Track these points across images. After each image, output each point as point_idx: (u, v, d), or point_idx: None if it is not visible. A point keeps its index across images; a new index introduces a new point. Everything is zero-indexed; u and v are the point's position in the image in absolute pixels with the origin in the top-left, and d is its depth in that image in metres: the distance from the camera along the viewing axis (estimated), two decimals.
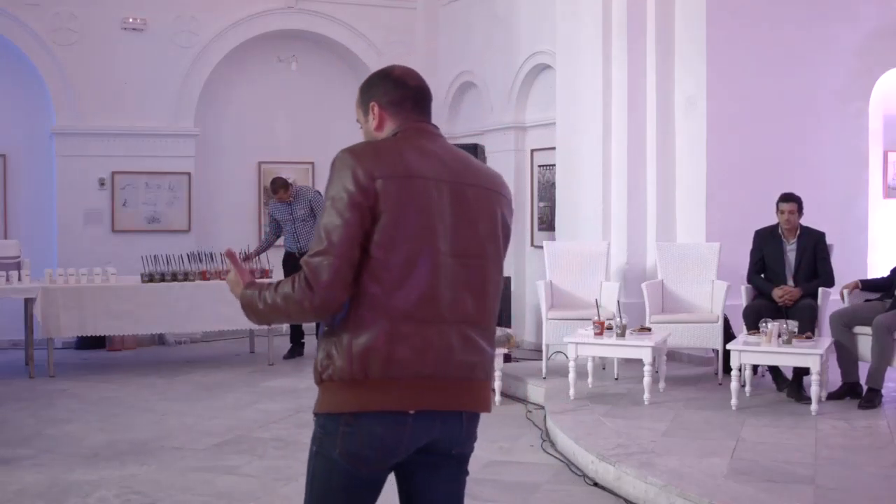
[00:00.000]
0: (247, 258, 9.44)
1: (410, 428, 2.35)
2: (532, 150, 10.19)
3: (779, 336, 6.29)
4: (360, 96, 2.54)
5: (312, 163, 11.66)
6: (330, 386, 2.34)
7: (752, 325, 6.63)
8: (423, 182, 2.35)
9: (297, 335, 9.62)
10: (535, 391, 7.27)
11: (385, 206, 2.30)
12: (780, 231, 7.12)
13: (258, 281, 2.47)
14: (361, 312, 2.31)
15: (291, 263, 9.35)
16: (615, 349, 6.76)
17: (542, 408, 6.80)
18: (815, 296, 6.93)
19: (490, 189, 2.49)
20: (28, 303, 8.51)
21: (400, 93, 2.49)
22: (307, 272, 2.29)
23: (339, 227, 2.28)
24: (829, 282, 7.04)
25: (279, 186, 9.42)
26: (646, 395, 6.54)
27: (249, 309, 2.43)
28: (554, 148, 9.22)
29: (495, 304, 2.48)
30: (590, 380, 7.17)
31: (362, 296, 2.31)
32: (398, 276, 2.31)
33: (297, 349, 9.62)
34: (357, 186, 2.30)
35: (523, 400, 7.35)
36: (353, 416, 2.31)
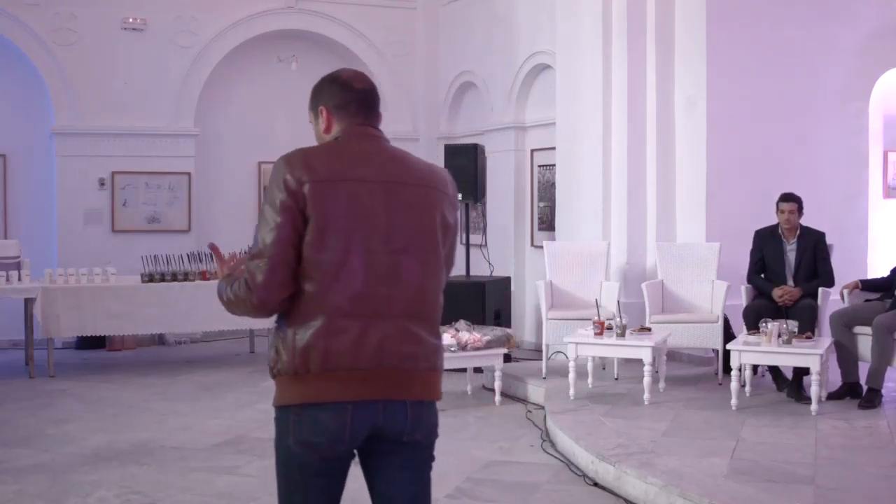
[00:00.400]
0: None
1: (351, 416, 2.46)
2: (532, 150, 10.20)
3: (779, 336, 6.29)
4: (311, 100, 2.66)
5: None
6: (281, 380, 2.49)
7: (752, 325, 6.63)
8: (355, 184, 2.48)
9: None
10: (535, 391, 7.27)
11: (314, 209, 2.42)
12: (780, 231, 7.12)
13: (234, 274, 2.57)
14: (301, 310, 2.44)
15: None
16: (615, 349, 6.76)
17: (542, 408, 6.80)
18: (815, 296, 6.93)
19: (430, 187, 2.59)
20: (28, 303, 8.51)
21: (346, 96, 2.62)
22: (246, 274, 2.45)
23: (272, 231, 2.42)
24: (829, 282, 7.04)
25: None
26: (646, 395, 6.54)
27: (220, 300, 2.56)
28: (554, 148, 9.22)
29: (437, 297, 2.58)
30: (590, 380, 7.17)
31: (301, 294, 2.44)
32: (332, 275, 2.43)
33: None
34: (287, 192, 2.44)
35: (523, 400, 7.35)
36: (300, 407, 2.45)
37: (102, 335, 9.45)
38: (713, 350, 7.50)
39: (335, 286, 2.43)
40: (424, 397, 2.56)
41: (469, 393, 7.58)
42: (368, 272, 2.45)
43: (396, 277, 2.49)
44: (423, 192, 2.56)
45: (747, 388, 6.59)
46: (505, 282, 9.37)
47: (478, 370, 7.85)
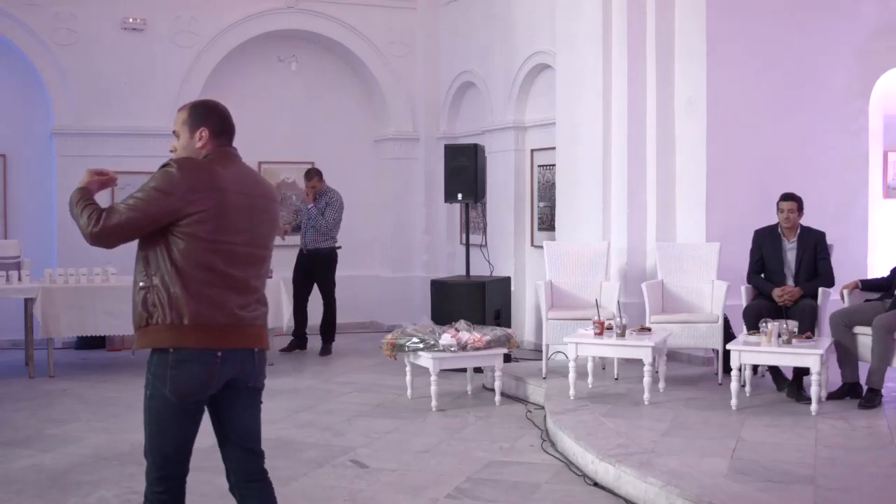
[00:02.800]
0: None
1: (219, 365, 3.19)
2: (532, 150, 10.20)
3: (779, 336, 6.29)
4: (191, 119, 3.32)
5: (312, 163, 11.65)
6: (156, 328, 3.15)
7: (752, 325, 6.63)
8: (229, 193, 3.22)
9: (301, 327, 9.84)
10: (535, 391, 7.28)
11: (199, 208, 3.13)
12: (779, 231, 7.12)
13: (91, 201, 3.27)
14: (184, 280, 3.13)
15: (300, 262, 9.55)
16: (615, 349, 6.77)
17: (542, 408, 6.81)
18: (815, 296, 6.93)
19: (271, 200, 3.47)
20: (28, 303, 8.51)
21: (221, 125, 3.39)
22: (106, 211, 3.15)
23: (146, 207, 3.11)
24: (830, 282, 7.04)
25: (314, 174, 9.81)
26: (646, 395, 6.55)
27: (69, 204, 3.29)
28: (554, 148, 9.22)
29: (266, 279, 3.43)
30: (590, 380, 7.17)
31: (185, 268, 3.13)
32: (209, 258, 3.17)
33: (299, 343, 9.85)
34: (176, 191, 3.12)
35: (523, 400, 7.35)
36: (176, 360, 3.13)
37: (102, 335, 9.45)
38: (713, 350, 7.50)
39: (207, 266, 3.19)
40: (264, 346, 3.36)
41: (469, 393, 7.58)
42: (230, 259, 3.21)
43: (247, 264, 3.28)
44: (269, 203, 3.42)
45: (747, 388, 6.59)
46: (505, 282, 9.38)
47: (478, 370, 7.86)
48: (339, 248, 9.98)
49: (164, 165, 3.19)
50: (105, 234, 3.13)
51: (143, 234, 3.17)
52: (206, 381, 3.17)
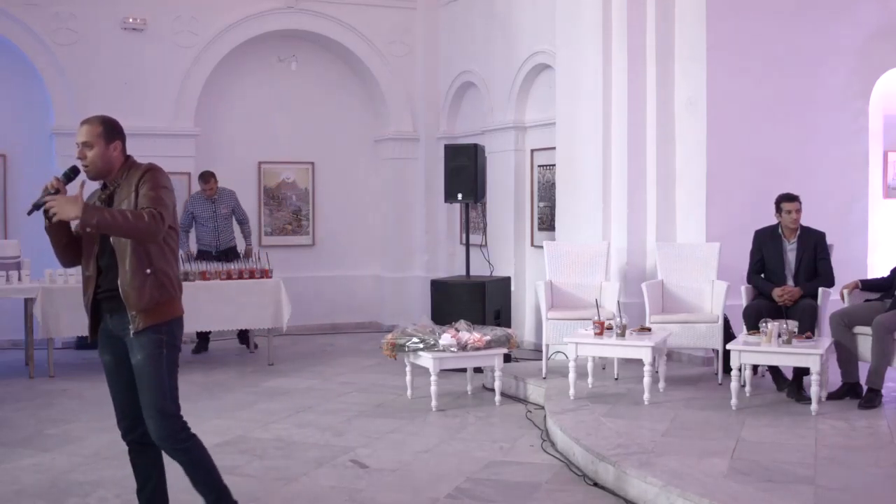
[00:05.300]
0: (247, 255, 9.57)
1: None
2: (532, 150, 10.20)
3: (779, 336, 6.29)
4: (107, 132, 3.93)
5: (312, 163, 11.67)
6: (168, 301, 3.90)
7: (752, 325, 6.63)
8: None
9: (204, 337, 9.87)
10: (535, 391, 7.28)
11: (174, 202, 3.96)
12: (780, 231, 7.12)
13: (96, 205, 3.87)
14: (173, 261, 3.97)
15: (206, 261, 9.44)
16: (615, 349, 6.76)
17: (542, 408, 6.81)
18: (815, 296, 6.93)
19: None
20: (28, 303, 8.51)
21: (124, 141, 4.05)
22: (163, 213, 3.78)
23: (170, 201, 3.87)
24: (830, 282, 7.04)
25: (211, 176, 9.75)
26: (646, 395, 6.54)
27: (111, 224, 3.68)
28: (554, 148, 9.22)
29: None
30: (590, 380, 7.17)
31: (172, 253, 3.96)
32: (176, 243, 4.05)
33: (204, 344, 9.88)
34: (171, 187, 3.98)
35: (523, 400, 7.35)
36: (179, 323, 3.98)
37: None
38: (713, 350, 7.50)
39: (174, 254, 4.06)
40: None
41: (469, 393, 7.58)
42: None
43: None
44: None
45: (747, 388, 6.59)
46: (505, 282, 9.37)
47: (478, 370, 7.86)
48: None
49: (146, 168, 3.93)
50: (165, 226, 3.80)
51: None
52: None
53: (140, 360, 3.86)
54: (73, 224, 3.82)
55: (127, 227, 3.68)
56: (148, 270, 3.80)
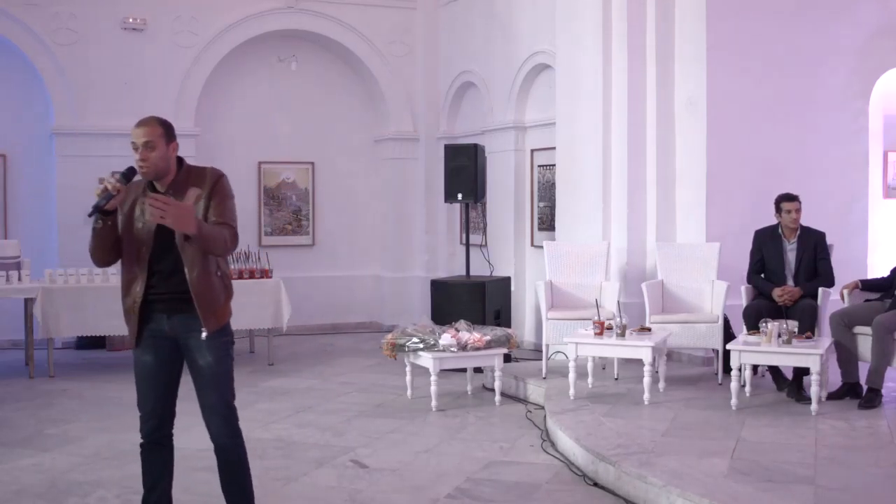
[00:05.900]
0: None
1: None
2: (532, 150, 10.20)
3: (779, 336, 6.29)
4: (167, 133, 3.87)
5: (312, 163, 11.67)
6: (228, 303, 3.97)
7: (752, 325, 6.63)
8: None
9: None
10: (535, 391, 7.28)
11: None
12: (780, 231, 7.12)
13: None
14: (229, 267, 4.10)
15: None
16: (615, 349, 6.76)
17: (542, 408, 6.81)
18: (815, 296, 6.92)
19: None
20: (28, 303, 8.52)
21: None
22: (231, 227, 3.84)
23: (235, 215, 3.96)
24: (830, 282, 7.04)
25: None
26: (646, 395, 6.54)
27: (207, 238, 3.71)
28: (554, 148, 9.22)
29: None
30: (590, 380, 7.17)
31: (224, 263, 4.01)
32: None
33: None
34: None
35: (523, 400, 7.35)
36: (228, 325, 4.02)
37: (102, 335, 9.45)
38: (713, 350, 7.50)
39: None
40: None
41: (469, 393, 7.59)
42: None
43: None
44: None
45: (747, 388, 6.59)
46: (505, 282, 9.38)
47: (478, 370, 7.86)
48: None
49: (218, 175, 3.91)
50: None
51: None
52: None
53: (211, 361, 3.90)
54: (142, 224, 3.80)
55: (221, 245, 3.78)
56: (218, 273, 3.90)
